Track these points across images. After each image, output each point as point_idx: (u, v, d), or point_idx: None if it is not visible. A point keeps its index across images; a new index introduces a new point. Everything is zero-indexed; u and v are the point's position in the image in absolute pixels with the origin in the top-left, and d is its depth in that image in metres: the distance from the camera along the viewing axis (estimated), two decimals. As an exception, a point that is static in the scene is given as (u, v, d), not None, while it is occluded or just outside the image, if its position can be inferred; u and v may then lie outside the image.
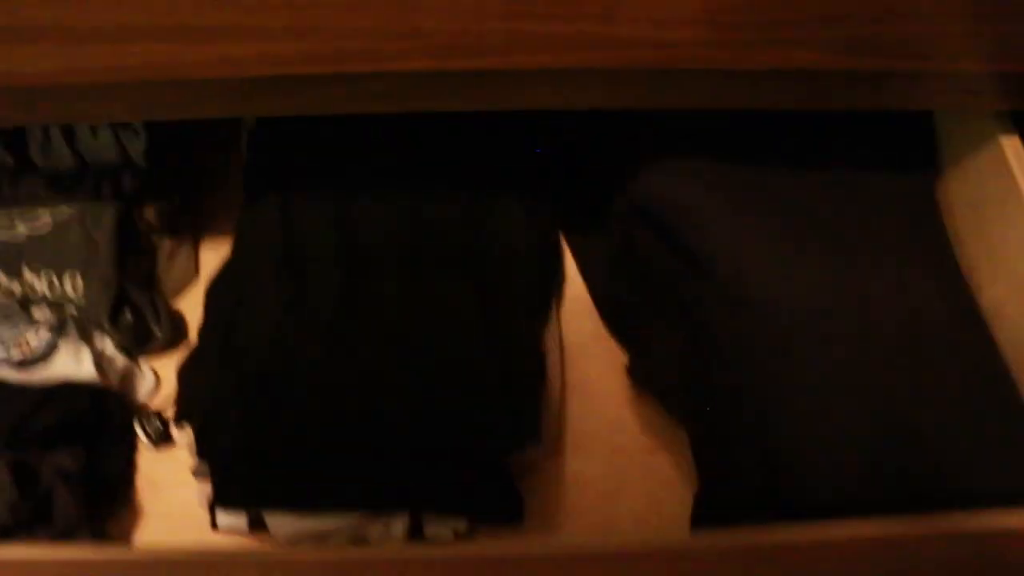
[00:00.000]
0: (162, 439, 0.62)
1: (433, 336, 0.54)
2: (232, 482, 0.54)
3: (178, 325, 0.67)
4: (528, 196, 0.65)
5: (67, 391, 0.58)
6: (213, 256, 0.70)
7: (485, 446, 0.52)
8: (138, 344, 0.64)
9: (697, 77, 0.49)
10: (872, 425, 0.51)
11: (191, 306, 0.68)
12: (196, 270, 0.70)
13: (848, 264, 0.56)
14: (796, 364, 0.52)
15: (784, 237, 0.56)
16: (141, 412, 0.63)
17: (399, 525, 0.52)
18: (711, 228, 0.55)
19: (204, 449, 0.55)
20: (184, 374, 0.59)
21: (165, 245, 0.67)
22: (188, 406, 0.58)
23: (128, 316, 0.63)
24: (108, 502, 0.60)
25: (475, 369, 0.53)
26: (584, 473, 0.62)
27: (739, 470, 0.54)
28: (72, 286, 0.61)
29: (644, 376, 0.60)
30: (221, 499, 0.54)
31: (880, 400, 0.52)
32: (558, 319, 0.66)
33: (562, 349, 0.64)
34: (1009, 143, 0.56)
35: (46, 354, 0.58)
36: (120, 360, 0.63)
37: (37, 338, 0.58)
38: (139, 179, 0.65)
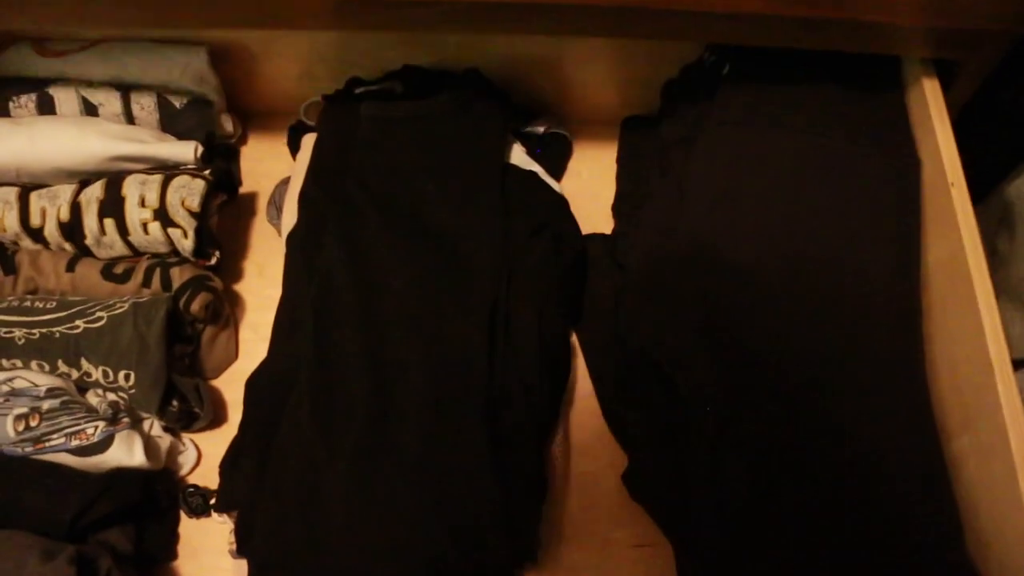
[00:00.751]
0: (202, 512, 0.69)
1: (446, 468, 0.60)
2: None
3: (219, 406, 0.73)
4: (541, 300, 0.71)
5: (122, 481, 0.64)
6: (251, 335, 0.77)
7: (488, 569, 0.59)
8: (182, 427, 0.71)
9: (667, 15, 0.63)
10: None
11: (231, 382, 0.75)
12: (236, 352, 0.76)
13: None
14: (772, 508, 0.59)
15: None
16: (184, 488, 0.70)
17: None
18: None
19: (241, 544, 0.62)
20: (226, 468, 0.66)
21: (208, 332, 0.73)
22: (228, 499, 0.65)
23: (174, 404, 0.69)
24: (153, 571, 0.68)
25: (484, 500, 0.59)
26: (579, 562, 0.68)
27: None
28: (124, 379, 0.67)
29: (636, 488, 0.66)
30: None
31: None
32: (566, 418, 0.72)
33: (568, 448, 0.71)
34: (930, 85, 0.69)
35: (102, 445, 0.65)
36: (166, 440, 0.70)
37: (95, 430, 0.65)
38: (187, 272, 0.71)
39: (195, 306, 0.70)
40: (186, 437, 0.72)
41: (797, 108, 0.70)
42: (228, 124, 0.82)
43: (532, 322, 0.68)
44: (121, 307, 0.68)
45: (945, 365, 0.65)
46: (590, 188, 0.82)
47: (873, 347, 0.65)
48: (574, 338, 0.75)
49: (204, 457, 0.72)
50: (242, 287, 0.79)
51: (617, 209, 0.80)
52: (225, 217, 0.77)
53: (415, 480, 0.60)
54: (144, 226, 0.70)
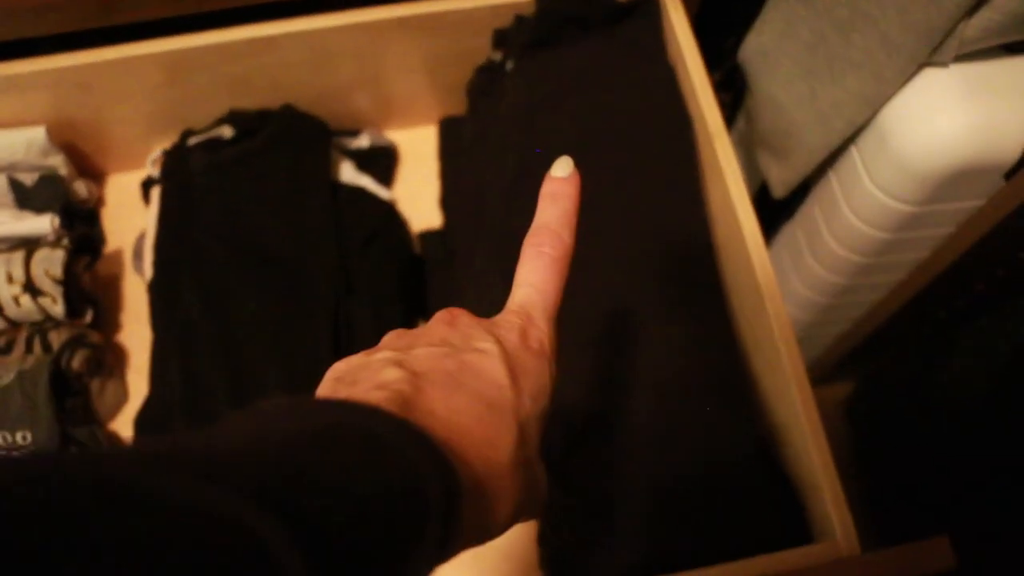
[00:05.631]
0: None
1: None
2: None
3: (118, 445, 0.82)
4: (378, 303, 0.79)
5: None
6: (137, 376, 0.85)
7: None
8: (87, 469, 0.79)
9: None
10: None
11: (127, 421, 0.83)
12: (126, 394, 0.84)
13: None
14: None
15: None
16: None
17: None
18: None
19: None
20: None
21: (95, 383, 0.81)
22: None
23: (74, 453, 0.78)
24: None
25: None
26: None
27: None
28: (22, 439, 0.76)
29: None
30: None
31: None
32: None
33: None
34: (691, 56, 0.78)
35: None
36: (74, 484, 0.78)
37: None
38: (64, 334, 0.79)
39: (76, 363, 0.78)
40: (95, 478, 0.81)
41: (575, 92, 0.78)
42: (82, 190, 0.89)
43: (370, 323, 0.77)
44: (7, 378, 0.76)
45: (736, 296, 0.75)
46: (422, 188, 0.91)
47: (679, 286, 0.74)
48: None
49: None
50: (123, 335, 0.87)
51: (444, 204, 0.88)
52: (98, 274, 0.85)
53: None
54: (15, 300, 0.78)
